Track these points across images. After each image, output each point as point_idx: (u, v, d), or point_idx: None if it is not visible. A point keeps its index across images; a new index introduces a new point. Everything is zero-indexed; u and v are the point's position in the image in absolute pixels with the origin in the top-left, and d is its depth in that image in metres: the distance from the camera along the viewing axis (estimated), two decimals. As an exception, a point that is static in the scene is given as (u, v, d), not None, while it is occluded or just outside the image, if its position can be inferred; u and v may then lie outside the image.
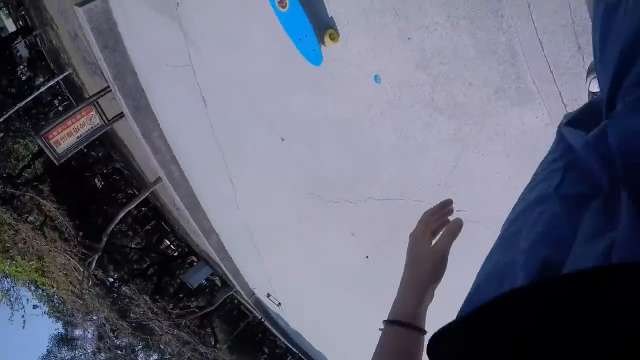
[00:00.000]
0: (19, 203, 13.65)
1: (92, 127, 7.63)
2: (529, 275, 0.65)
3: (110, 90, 7.39)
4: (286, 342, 15.84)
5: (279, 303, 11.91)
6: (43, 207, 11.84)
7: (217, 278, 20.42)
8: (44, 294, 16.55)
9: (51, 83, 12.64)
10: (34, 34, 15.84)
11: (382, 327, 1.00)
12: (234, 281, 12.96)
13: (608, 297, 0.42)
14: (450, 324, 0.56)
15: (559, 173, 0.91)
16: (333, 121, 3.49)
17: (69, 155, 7.67)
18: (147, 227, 22.80)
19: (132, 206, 11.70)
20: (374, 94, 2.94)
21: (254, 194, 6.41)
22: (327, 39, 2.67)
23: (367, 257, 4.89)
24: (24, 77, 19.32)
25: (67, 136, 7.46)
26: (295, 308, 11.47)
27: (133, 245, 21.64)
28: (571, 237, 0.69)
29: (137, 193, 17.65)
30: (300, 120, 3.90)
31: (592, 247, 0.62)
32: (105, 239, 11.51)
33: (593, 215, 0.72)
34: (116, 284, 17.62)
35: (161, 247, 24.97)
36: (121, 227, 19.99)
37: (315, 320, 10.46)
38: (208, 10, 3.90)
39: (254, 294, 13.71)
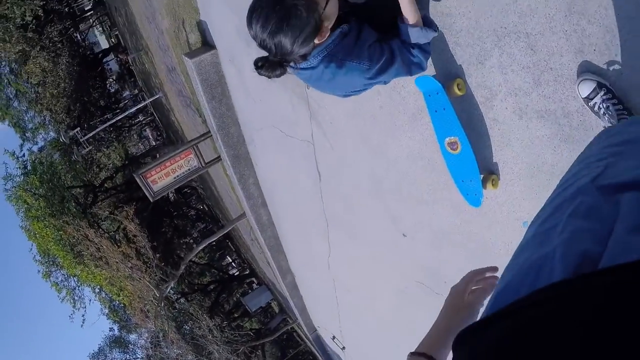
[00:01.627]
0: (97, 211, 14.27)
1: (189, 169, 7.74)
2: (568, 268, 0.62)
3: (211, 135, 7.49)
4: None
5: (344, 347, 11.73)
6: (126, 229, 12.20)
7: (275, 302, 20.47)
8: (108, 297, 17.07)
9: (141, 105, 13.11)
10: (126, 52, 16.56)
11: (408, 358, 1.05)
12: (298, 317, 12.90)
13: None
14: (482, 320, 0.55)
15: (601, 165, 0.92)
16: (466, 239, 3.29)
17: (164, 193, 7.81)
18: (213, 241, 23.35)
19: (214, 239, 11.84)
20: (518, 235, 2.73)
21: (355, 268, 6.29)
22: (489, 185, 2.58)
23: None
24: (112, 90, 20.27)
25: (164, 176, 7.59)
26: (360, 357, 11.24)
27: (197, 260, 22.11)
28: (609, 229, 0.66)
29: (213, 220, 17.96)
30: (430, 227, 3.71)
31: (635, 238, 0.59)
32: (183, 267, 11.70)
33: (635, 206, 0.70)
34: (177, 297, 17.98)
35: (223, 264, 25.38)
36: (187, 240, 20.49)
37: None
38: (346, 106, 3.79)
39: (315, 330, 13.61)
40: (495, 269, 1.25)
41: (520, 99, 2.14)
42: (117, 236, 13.96)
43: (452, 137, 2.45)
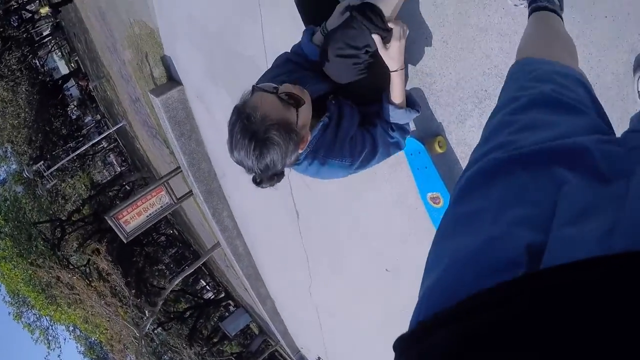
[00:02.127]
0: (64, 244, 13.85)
1: (161, 206, 7.59)
2: (514, 264, 0.56)
3: (181, 170, 7.37)
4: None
5: (329, 368, 11.65)
6: (99, 267, 11.87)
7: (254, 324, 20.23)
8: (83, 335, 16.59)
9: (106, 134, 12.81)
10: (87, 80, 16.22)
11: None
12: (281, 339, 12.77)
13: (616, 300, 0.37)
14: (425, 322, 0.51)
15: (518, 120, 0.85)
16: None
17: (137, 233, 7.62)
18: (184, 266, 22.82)
19: (189, 272, 11.62)
20: None
21: (338, 296, 6.26)
22: None
23: None
24: (74, 116, 19.79)
25: (136, 215, 7.41)
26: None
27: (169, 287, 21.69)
28: (549, 210, 0.61)
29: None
30: (412, 263, 3.73)
31: (582, 230, 0.54)
32: (161, 303, 11.42)
33: (575, 179, 0.65)
34: (154, 328, 17.57)
35: (197, 288, 24.96)
36: (160, 267, 20.07)
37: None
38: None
39: (299, 351, 13.50)
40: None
41: (500, 157, 2.16)
42: (88, 271, 13.58)
43: (435, 193, 2.45)
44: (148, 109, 9.13)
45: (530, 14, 1.54)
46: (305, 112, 1.49)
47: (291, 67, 1.77)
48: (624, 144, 0.77)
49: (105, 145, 20.12)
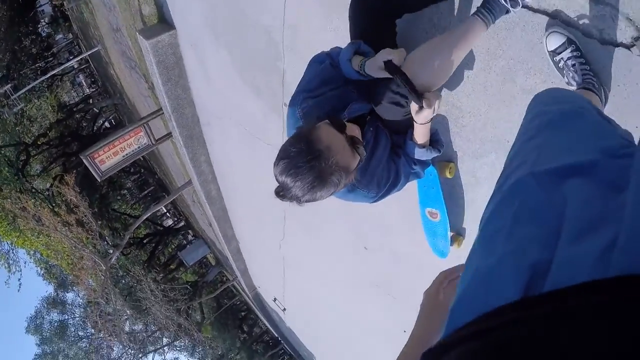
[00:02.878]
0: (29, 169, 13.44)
1: (139, 147, 7.51)
2: (517, 285, 0.59)
3: (163, 112, 7.26)
4: (274, 332, 16.22)
5: (284, 309, 12.12)
6: (66, 197, 11.63)
7: (211, 255, 20.58)
8: (43, 259, 16.48)
9: (79, 57, 12.22)
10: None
11: None
12: (239, 276, 13.06)
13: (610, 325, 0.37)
14: (440, 342, 0.54)
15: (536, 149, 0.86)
16: (422, 264, 3.58)
17: (112, 173, 7.56)
18: (146, 192, 22.71)
19: (159, 207, 11.61)
20: None
21: (309, 258, 6.47)
22: (455, 245, 2.87)
23: (404, 331, 5.00)
24: (44, 34, 18.62)
25: (112, 155, 7.33)
26: (301, 319, 11.71)
27: (131, 212, 21.60)
28: (557, 228, 0.63)
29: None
30: (390, 248, 3.96)
31: (584, 248, 0.55)
32: (128, 237, 11.45)
33: (584, 193, 0.66)
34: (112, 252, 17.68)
35: (157, 214, 24.94)
36: (122, 192, 19.91)
37: (319, 332, 10.71)
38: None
39: (255, 289, 13.91)
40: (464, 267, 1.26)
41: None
42: (51, 195, 13.27)
43: (434, 210, 2.65)
44: (130, 42, 8.78)
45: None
46: (361, 155, 1.52)
47: (333, 78, 1.77)
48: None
49: (75, 66, 19.13)
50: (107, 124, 24.14)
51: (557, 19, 1.69)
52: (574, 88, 1.65)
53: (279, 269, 8.68)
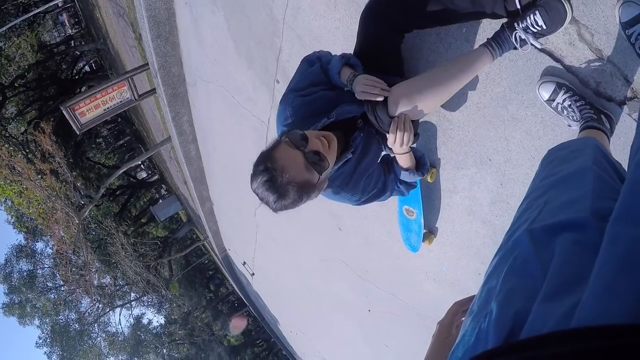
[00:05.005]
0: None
1: (121, 101, 7.36)
2: (500, 332, 0.64)
3: (148, 68, 7.13)
4: (240, 294, 16.43)
5: (253, 273, 12.26)
6: (43, 147, 11.32)
7: (183, 212, 20.54)
8: (14, 207, 16.11)
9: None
10: None
11: None
12: (210, 237, 13.11)
13: None
14: None
15: (541, 202, 0.92)
16: (393, 256, 3.72)
17: (92, 126, 7.42)
18: (122, 142, 22.27)
19: (136, 162, 11.46)
20: (434, 269, 3.30)
21: (281, 229, 6.54)
22: (426, 241, 3.02)
23: (369, 310, 5.26)
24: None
25: (94, 108, 7.17)
26: (268, 285, 11.88)
27: (105, 161, 21.27)
28: (542, 282, 0.67)
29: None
30: (366, 235, 4.06)
31: (556, 303, 0.59)
32: (103, 190, 11.29)
33: (569, 250, 0.70)
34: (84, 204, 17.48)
35: (132, 166, 24.60)
36: (97, 141, 19.54)
37: (285, 300, 10.90)
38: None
39: (225, 251, 14.02)
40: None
41: (475, 206, 2.51)
42: (25, 141, 12.88)
43: (411, 208, 2.75)
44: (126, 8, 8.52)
45: (580, 131, 1.67)
46: (330, 161, 1.57)
47: (322, 81, 1.80)
48: None
49: (59, 4, 18.35)
50: (87, 68, 23.53)
51: (559, 63, 1.76)
52: (576, 128, 1.72)
53: (252, 235, 8.77)
